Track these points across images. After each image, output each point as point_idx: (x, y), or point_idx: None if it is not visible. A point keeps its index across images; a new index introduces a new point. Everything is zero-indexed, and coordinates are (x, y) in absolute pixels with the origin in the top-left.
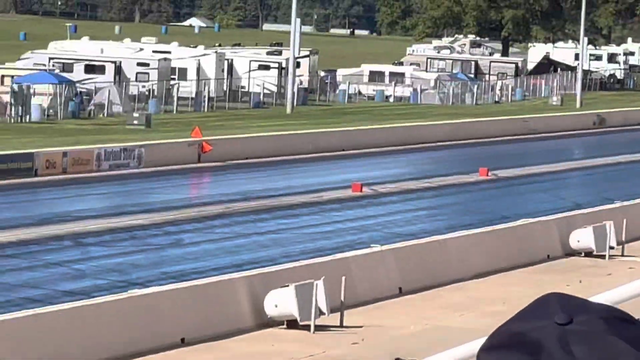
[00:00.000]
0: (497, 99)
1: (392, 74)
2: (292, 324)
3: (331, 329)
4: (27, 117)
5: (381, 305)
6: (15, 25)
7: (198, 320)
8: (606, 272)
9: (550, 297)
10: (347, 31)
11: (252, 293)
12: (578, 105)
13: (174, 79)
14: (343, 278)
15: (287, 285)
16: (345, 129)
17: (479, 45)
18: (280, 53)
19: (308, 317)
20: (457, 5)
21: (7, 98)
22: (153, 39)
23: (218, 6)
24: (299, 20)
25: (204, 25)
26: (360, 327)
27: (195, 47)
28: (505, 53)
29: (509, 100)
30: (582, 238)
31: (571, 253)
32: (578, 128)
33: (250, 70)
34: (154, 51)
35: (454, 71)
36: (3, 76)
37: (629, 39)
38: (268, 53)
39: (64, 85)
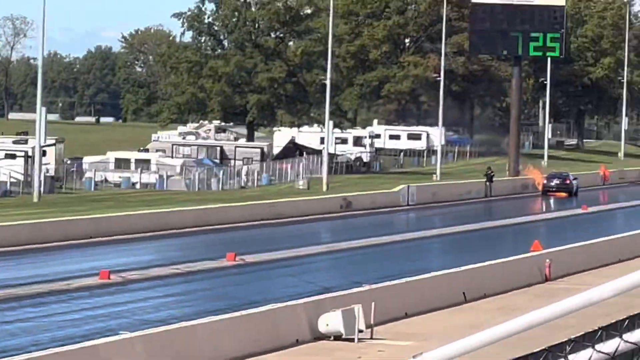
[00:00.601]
0: (243, 184)
1: (137, 160)
2: None
3: None
4: None
5: None
6: None
7: None
8: (356, 355)
9: None
10: (92, 119)
11: None
12: (324, 188)
13: None
14: None
15: None
16: (93, 217)
17: (224, 131)
18: (26, 142)
19: None
20: (202, 91)
21: None
22: None
23: None
24: (44, 108)
25: None
26: None
27: None
28: (250, 138)
29: (256, 185)
30: (331, 322)
31: (320, 337)
32: (325, 212)
33: None
34: None
35: (200, 157)
36: None
37: (375, 121)
38: (14, 142)
39: None
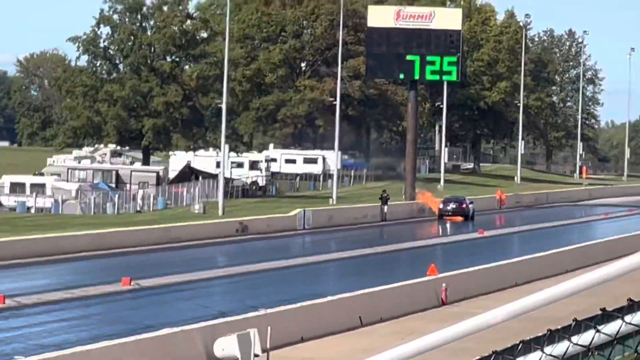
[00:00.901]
0: (139, 208)
1: (33, 185)
2: None
3: None
4: None
5: None
6: None
7: None
8: None
9: None
10: None
11: None
12: (220, 212)
13: None
14: None
15: None
16: None
17: (120, 155)
18: None
19: None
20: (97, 115)
21: None
22: None
23: None
24: None
25: None
26: None
27: None
28: (146, 162)
29: (151, 209)
30: (226, 346)
31: None
32: (221, 236)
33: None
34: None
35: (95, 181)
36: None
37: (271, 145)
38: None
39: None
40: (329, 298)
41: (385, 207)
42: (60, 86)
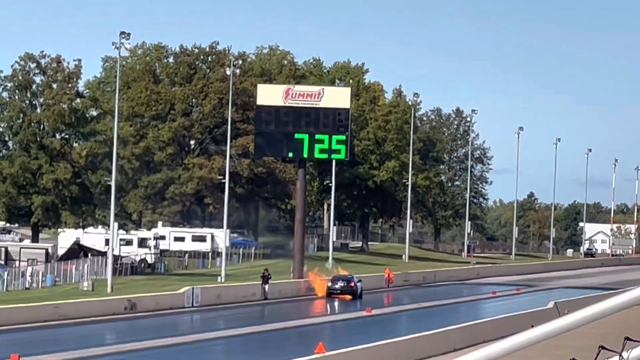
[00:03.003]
0: (28, 285)
1: None
2: None
3: None
4: None
5: None
6: None
7: None
8: None
9: None
10: None
11: None
12: (109, 290)
13: None
14: None
15: None
16: None
17: (9, 232)
18: None
19: None
20: None
21: None
22: None
23: None
24: None
25: None
26: None
27: None
28: (35, 239)
29: (40, 286)
30: None
31: None
32: (109, 313)
33: None
34: None
35: None
36: None
37: (160, 223)
38: None
39: None
40: None
41: (267, 286)
42: None
